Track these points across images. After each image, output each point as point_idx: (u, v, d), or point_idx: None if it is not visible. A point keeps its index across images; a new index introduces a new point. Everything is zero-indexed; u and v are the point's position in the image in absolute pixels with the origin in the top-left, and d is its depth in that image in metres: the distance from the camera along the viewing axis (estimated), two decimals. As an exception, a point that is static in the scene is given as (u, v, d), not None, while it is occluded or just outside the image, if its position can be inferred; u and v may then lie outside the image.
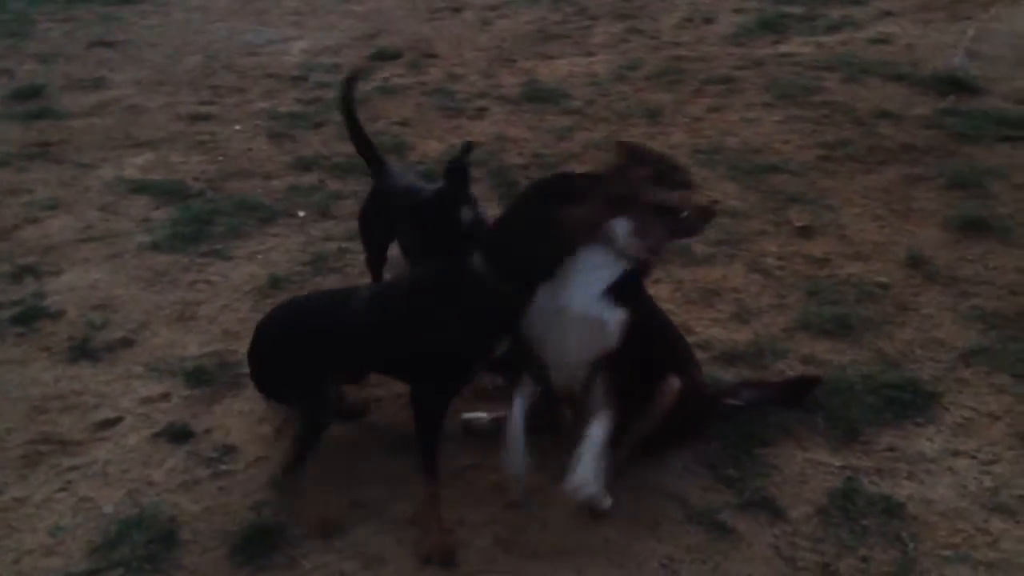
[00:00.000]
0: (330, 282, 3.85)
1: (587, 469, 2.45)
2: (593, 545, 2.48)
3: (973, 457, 2.72)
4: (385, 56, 7.17)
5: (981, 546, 2.42)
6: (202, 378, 3.25)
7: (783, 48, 6.81)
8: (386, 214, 3.25)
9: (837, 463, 2.72)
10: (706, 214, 2.57)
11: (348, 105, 3.41)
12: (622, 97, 5.99)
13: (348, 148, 5.27)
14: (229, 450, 2.91)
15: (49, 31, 8.40)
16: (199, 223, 4.40)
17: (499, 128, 5.55)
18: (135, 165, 5.21)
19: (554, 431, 2.76)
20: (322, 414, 2.64)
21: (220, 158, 5.29)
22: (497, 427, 2.79)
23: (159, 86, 6.67)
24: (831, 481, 2.66)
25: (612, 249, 2.46)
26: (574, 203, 2.39)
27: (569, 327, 2.48)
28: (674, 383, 2.58)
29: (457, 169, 2.90)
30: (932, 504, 2.55)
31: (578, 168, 4.43)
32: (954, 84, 5.69)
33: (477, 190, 4.59)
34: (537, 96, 6.06)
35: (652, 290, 3.63)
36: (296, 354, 2.63)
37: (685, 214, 2.50)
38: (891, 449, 2.76)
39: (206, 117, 5.98)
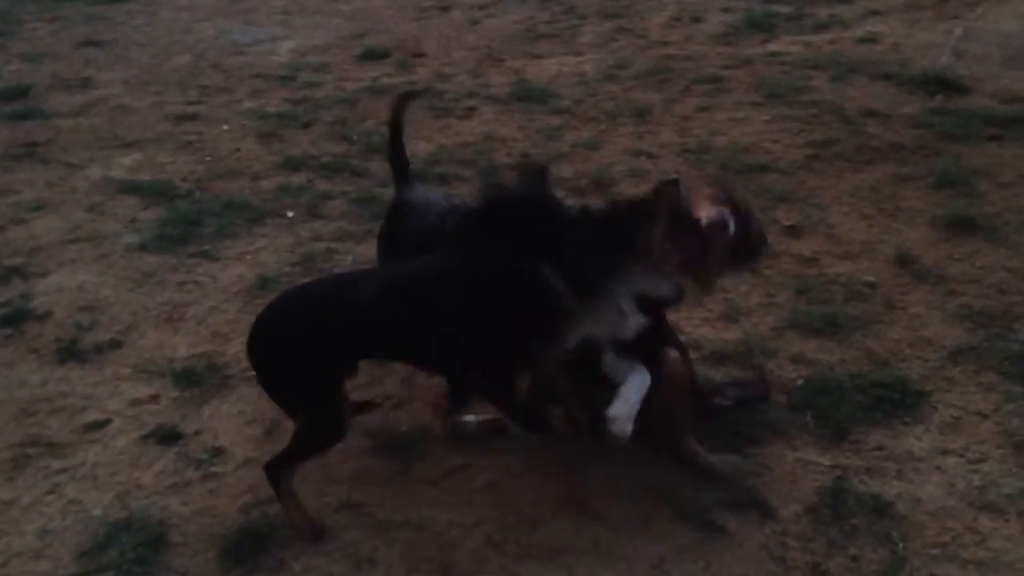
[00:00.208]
0: (319, 283, 3.83)
1: (626, 405, 2.48)
2: (583, 545, 2.48)
3: (961, 456, 2.73)
4: (373, 56, 7.16)
5: (970, 545, 2.42)
6: (191, 379, 3.24)
7: (771, 47, 6.82)
8: (411, 231, 2.98)
9: (826, 462, 2.72)
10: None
11: (396, 123, 3.19)
12: (611, 96, 5.99)
13: (337, 148, 5.31)
14: (218, 452, 2.90)
15: (36, 30, 8.36)
16: (187, 224, 4.39)
17: (488, 128, 5.55)
18: (122, 165, 5.20)
19: (547, 431, 2.76)
20: (332, 427, 2.50)
21: (208, 158, 5.27)
22: (486, 429, 2.80)
23: (146, 86, 6.65)
24: (821, 480, 2.66)
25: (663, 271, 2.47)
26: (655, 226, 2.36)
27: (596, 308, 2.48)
28: (673, 352, 2.64)
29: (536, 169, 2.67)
30: (921, 503, 2.56)
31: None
32: (941, 83, 5.71)
33: (465, 190, 4.65)
34: (526, 96, 6.05)
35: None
36: (308, 350, 2.41)
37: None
38: (880, 448, 2.77)
39: (194, 117, 5.97)
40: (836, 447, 2.78)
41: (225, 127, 5.76)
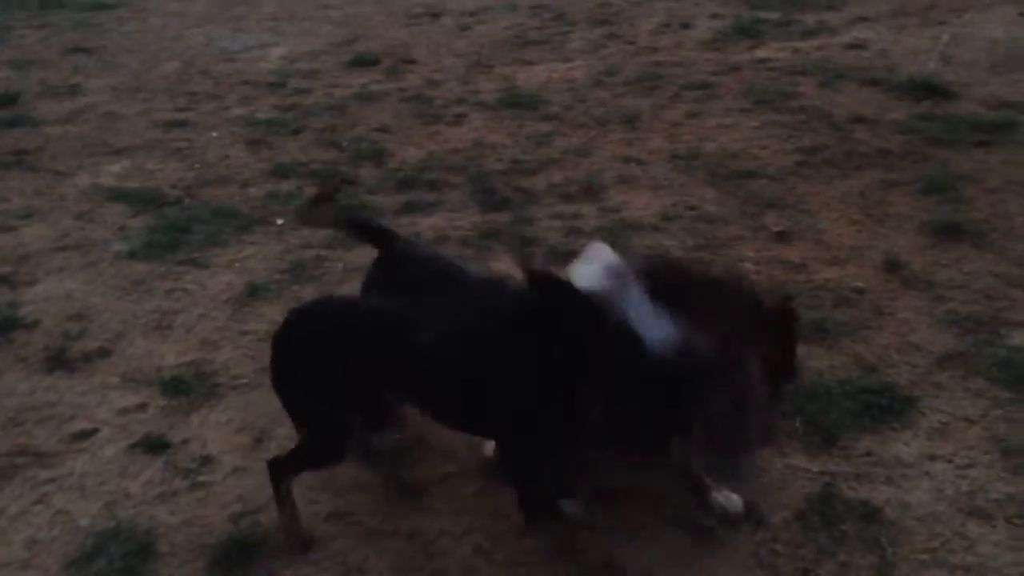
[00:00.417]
0: (308, 291, 3.83)
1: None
2: (574, 552, 2.48)
3: (949, 461, 2.74)
4: (363, 62, 7.17)
5: (958, 550, 2.43)
6: (179, 388, 3.23)
7: (760, 53, 6.85)
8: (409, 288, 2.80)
9: (815, 468, 2.73)
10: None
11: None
12: (600, 103, 6.00)
13: (326, 154, 5.31)
14: (207, 461, 2.89)
15: (24, 37, 8.35)
16: (176, 231, 4.38)
17: (478, 134, 5.55)
18: (111, 173, 5.18)
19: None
20: (333, 450, 2.48)
21: (197, 165, 5.26)
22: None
23: (135, 93, 6.64)
24: (810, 486, 2.67)
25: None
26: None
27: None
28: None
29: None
30: (909, 508, 2.57)
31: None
32: (929, 89, 5.74)
33: (455, 196, 4.65)
34: (515, 102, 6.06)
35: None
36: (333, 369, 2.39)
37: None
38: (869, 454, 2.78)
39: (183, 124, 5.96)
40: (825, 453, 2.79)
41: (214, 134, 5.75)
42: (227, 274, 4.02)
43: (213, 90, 6.65)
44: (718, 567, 2.42)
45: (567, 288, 2.28)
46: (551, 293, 2.30)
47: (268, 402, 3.11)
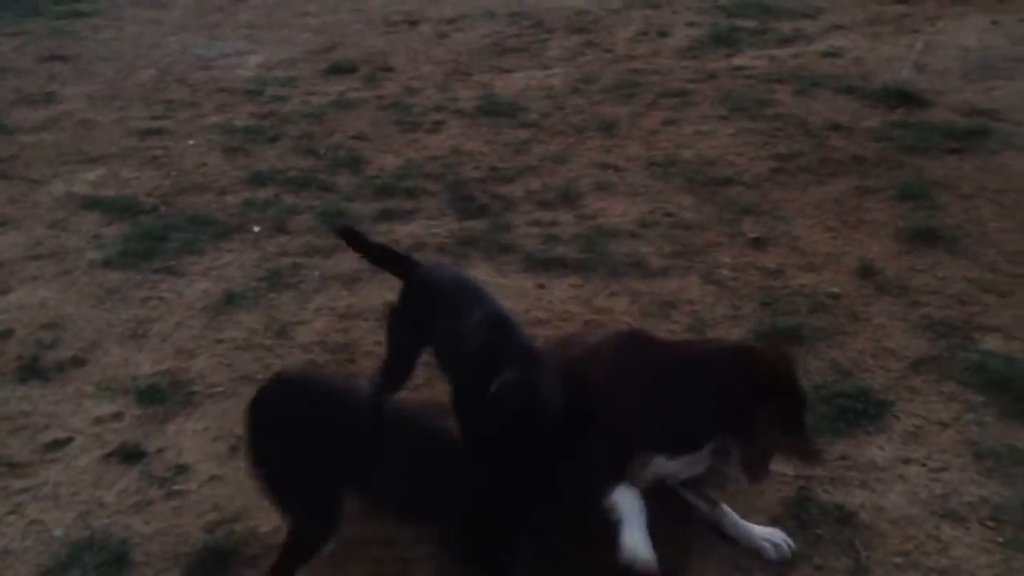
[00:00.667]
0: (285, 298, 3.81)
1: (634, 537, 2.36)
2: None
3: (923, 465, 2.76)
4: (341, 70, 7.15)
5: (932, 553, 2.45)
6: (155, 397, 3.21)
7: (736, 61, 6.89)
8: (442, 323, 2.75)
9: (791, 473, 2.74)
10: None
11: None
12: (578, 110, 6.02)
13: (304, 162, 5.30)
14: (182, 469, 2.87)
15: (-1, 45, 8.28)
16: (152, 239, 4.35)
17: (456, 142, 5.56)
18: (86, 181, 5.15)
19: None
20: (325, 530, 2.33)
21: (173, 173, 5.23)
22: None
23: (111, 100, 6.59)
24: (785, 491, 2.68)
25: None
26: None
27: None
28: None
29: None
30: (884, 512, 2.59)
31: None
32: (903, 97, 5.80)
33: (433, 204, 4.65)
34: (494, 109, 6.07)
35: (608, 303, 3.69)
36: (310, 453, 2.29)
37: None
38: (843, 458, 2.80)
39: (159, 132, 5.92)
40: (801, 458, 2.80)
41: (191, 142, 5.72)
42: (204, 282, 3.99)
43: (190, 98, 6.62)
44: (697, 572, 2.43)
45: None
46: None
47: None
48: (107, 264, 4.16)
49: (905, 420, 2.95)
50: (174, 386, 3.27)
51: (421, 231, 4.36)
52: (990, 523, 2.54)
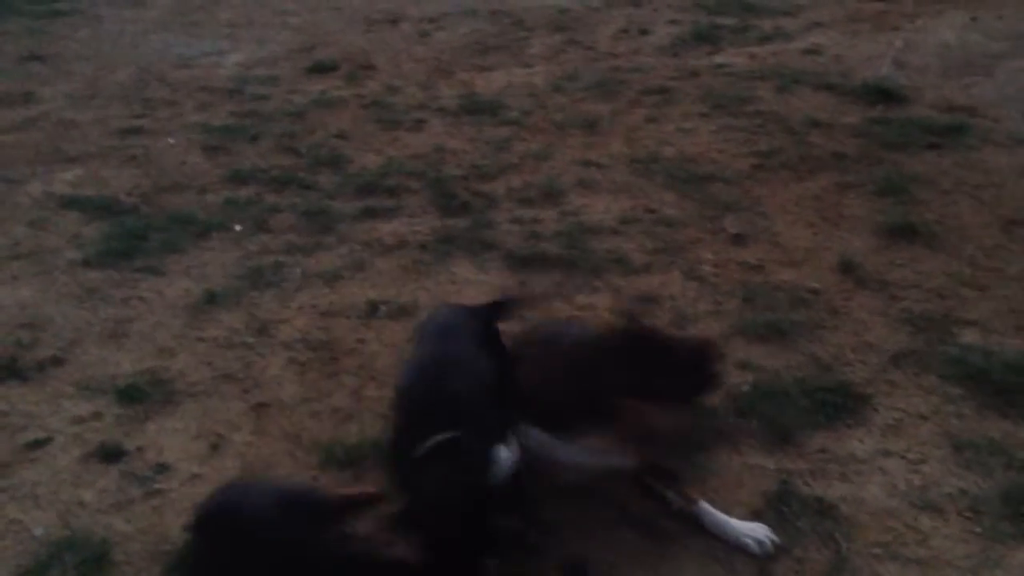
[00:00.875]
0: (267, 297, 3.80)
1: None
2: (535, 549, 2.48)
3: (903, 457, 2.78)
4: (322, 68, 7.13)
5: (911, 544, 2.47)
6: (135, 396, 3.19)
7: (717, 59, 6.91)
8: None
9: (771, 466, 2.76)
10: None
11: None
12: (560, 108, 6.03)
13: (285, 160, 5.28)
14: (163, 468, 2.86)
15: (-24, 45, 8.21)
16: (132, 238, 4.33)
17: (438, 140, 5.55)
18: (65, 180, 5.11)
19: None
20: None
21: (153, 172, 5.20)
22: None
23: (90, 100, 6.55)
24: (766, 484, 2.69)
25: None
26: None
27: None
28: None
29: None
30: (863, 504, 2.60)
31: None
32: (882, 93, 5.82)
33: (415, 202, 4.65)
34: (475, 107, 6.07)
35: (590, 299, 3.69)
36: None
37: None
38: (823, 451, 2.81)
39: (138, 131, 5.89)
40: (781, 451, 2.82)
41: (171, 141, 5.69)
42: (184, 281, 3.98)
43: (170, 97, 6.58)
44: (675, 565, 2.44)
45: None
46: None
47: (225, 409, 3.11)
48: (87, 263, 4.14)
49: (885, 413, 2.97)
50: (154, 385, 3.25)
51: (403, 229, 4.36)
52: (968, 514, 2.55)
